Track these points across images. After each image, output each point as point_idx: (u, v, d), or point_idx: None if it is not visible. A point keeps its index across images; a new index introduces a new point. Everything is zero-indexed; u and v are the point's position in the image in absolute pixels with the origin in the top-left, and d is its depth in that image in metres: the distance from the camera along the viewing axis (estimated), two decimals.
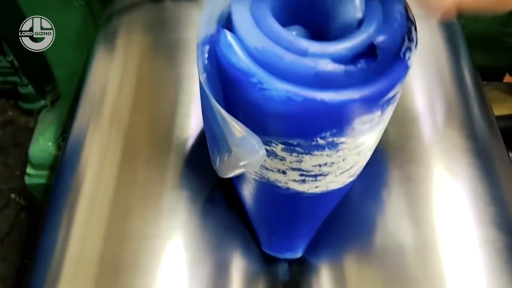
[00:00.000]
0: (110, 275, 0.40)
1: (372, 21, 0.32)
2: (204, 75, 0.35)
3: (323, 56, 0.31)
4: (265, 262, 0.49)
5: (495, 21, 0.71)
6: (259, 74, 0.31)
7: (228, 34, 0.32)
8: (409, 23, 0.35)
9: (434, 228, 0.42)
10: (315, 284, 0.46)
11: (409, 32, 0.34)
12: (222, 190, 0.46)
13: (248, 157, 0.35)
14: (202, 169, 0.46)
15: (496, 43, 0.78)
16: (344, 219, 0.46)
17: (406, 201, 0.44)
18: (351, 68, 0.31)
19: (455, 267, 0.40)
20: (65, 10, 0.69)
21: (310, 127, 0.34)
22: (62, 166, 0.50)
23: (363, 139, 0.37)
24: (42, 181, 0.89)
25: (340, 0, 0.34)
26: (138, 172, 0.45)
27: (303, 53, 0.31)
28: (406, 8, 0.35)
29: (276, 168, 0.39)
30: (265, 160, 0.38)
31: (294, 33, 0.35)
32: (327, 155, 0.37)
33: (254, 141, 0.33)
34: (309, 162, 0.37)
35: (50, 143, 0.89)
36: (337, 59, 0.31)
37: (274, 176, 0.40)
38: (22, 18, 0.66)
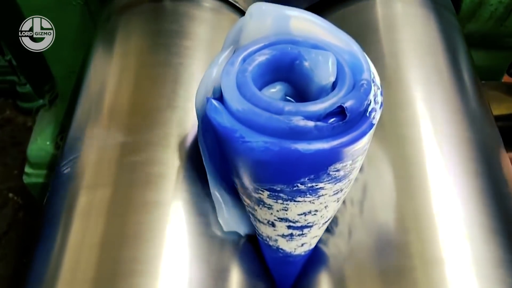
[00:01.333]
0: (108, 274, 0.40)
1: (343, 86, 0.38)
2: (202, 141, 0.43)
3: (297, 114, 0.37)
4: (264, 268, 0.49)
5: (494, 21, 0.71)
6: (241, 129, 0.37)
7: (214, 101, 0.38)
8: (376, 88, 0.40)
9: (433, 227, 0.42)
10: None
11: (375, 96, 0.40)
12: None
13: (218, 211, 0.45)
14: (200, 169, 0.46)
15: (494, 43, 0.78)
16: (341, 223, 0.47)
17: (403, 201, 0.44)
18: (321, 124, 0.37)
19: (454, 265, 0.40)
20: (63, 9, 0.69)
21: (289, 173, 0.39)
22: (61, 165, 0.50)
23: (340, 185, 0.41)
24: (40, 180, 0.89)
25: (316, 65, 0.40)
26: (137, 171, 0.45)
27: (280, 112, 0.37)
28: (374, 76, 0.41)
29: (266, 219, 0.44)
30: (256, 210, 0.43)
31: (276, 88, 0.42)
32: (310, 202, 0.41)
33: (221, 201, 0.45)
34: (294, 210, 0.42)
35: (48, 142, 0.89)
36: (309, 117, 0.37)
37: (265, 231, 0.45)
38: (21, 18, 0.66)
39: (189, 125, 0.48)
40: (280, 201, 0.42)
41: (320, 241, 0.47)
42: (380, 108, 0.40)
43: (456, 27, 0.60)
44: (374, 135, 0.44)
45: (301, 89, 0.42)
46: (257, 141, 0.37)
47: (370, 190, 0.46)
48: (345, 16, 0.59)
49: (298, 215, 0.43)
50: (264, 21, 0.42)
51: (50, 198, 0.48)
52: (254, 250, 0.48)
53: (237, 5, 0.61)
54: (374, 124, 0.39)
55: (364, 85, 0.39)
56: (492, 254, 0.41)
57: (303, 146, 0.37)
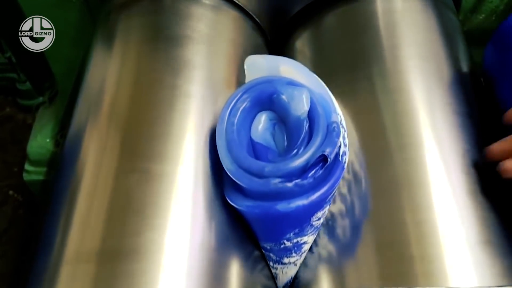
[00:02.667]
0: (109, 271, 0.40)
1: (318, 133, 0.43)
2: None
3: (278, 173, 0.41)
4: (264, 266, 0.49)
5: (494, 18, 0.71)
6: (229, 192, 0.44)
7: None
8: (343, 130, 0.44)
9: (433, 226, 0.42)
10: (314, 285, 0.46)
11: (344, 138, 0.44)
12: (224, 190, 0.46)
13: None
14: (200, 167, 0.46)
15: None
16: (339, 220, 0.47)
17: (403, 201, 0.44)
18: (300, 182, 0.41)
19: (454, 260, 0.40)
20: (63, 7, 0.69)
21: (275, 230, 0.44)
22: (61, 162, 0.50)
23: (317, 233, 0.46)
24: (40, 177, 0.89)
25: (292, 98, 0.45)
26: (137, 169, 0.45)
27: (260, 173, 0.41)
28: (341, 118, 0.46)
29: None
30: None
31: (263, 118, 0.47)
32: (294, 263, 0.47)
33: None
34: (281, 278, 0.49)
35: (48, 140, 0.88)
36: (292, 172, 0.41)
37: None
38: (21, 15, 0.66)
39: (189, 123, 0.48)
40: (271, 263, 0.47)
41: (318, 237, 0.47)
42: (348, 150, 0.45)
43: (456, 24, 0.60)
44: (376, 136, 0.47)
45: (282, 118, 0.47)
46: (241, 204, 0.43)
47: (371, 190, 0.46)
48: (345, 12, 0.59)
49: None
50: (258, 71, 0.49)
51: (50, 196, 0.48)
52: (254, 246, 0.48)
53: (237, 2, 0.61)
54: (344, 168, 0.43)
55: (335, 128, 0.43)
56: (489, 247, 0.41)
57: (282, 206, 0.41)
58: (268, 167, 0.41)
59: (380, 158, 0.47)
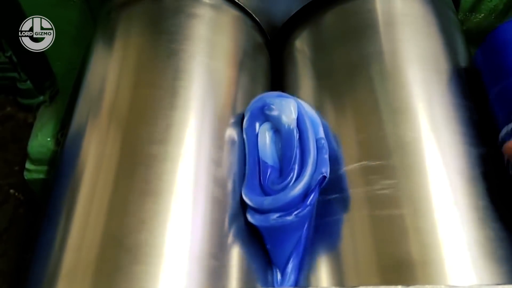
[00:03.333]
0: (108, 270, 0.40)
1: (309, 154, 0.45)
2: None
3: (277, 204, 0.43)
4: (264, 265, 0.49)
5: (493, 17, 0.71)
6: None
7: None
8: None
9: (431, 224, 0.42)
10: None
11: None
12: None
13: None
14: (199, 166, 0.46)
15: None
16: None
17: (403, 199, 0.44)
18: (300, 213, 0.43)
19: (454, 254, 0.40)
20: (63, 6, 0.69)
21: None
22: (61, 161, 0.50)
23: None
24: (41, 176, 0.89)
25: (281, 109, 0.49)
26: (137, 168, 0.45)
27: (260, 206, 0.44)
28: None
29: None
30: None
31: (266, 127, 0.51)
32: None
33: None
34: None
35: (48, 139, 0.89)
36: (289, 205, 0.43)
37: None
38: (22, 15, 0.66)
39: (190, 122, 0.48)
40: None
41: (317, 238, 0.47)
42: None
43: (456, 23, 0.60)
44: (375, 137, 0.47)
45: (276, 127, 0.50)
46: None
47: (369, 190, 0.46)
48: (344, 11, 0.59)
49: None
50: None
51: (50, 194, 0.48)
52: (253, 235, 0.48)
53: (237, 1, 0.61)
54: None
55: (324, 144, 0.47)
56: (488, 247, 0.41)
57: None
58: (267, 200, 0.44)
59: (378, 157, 0.47)
